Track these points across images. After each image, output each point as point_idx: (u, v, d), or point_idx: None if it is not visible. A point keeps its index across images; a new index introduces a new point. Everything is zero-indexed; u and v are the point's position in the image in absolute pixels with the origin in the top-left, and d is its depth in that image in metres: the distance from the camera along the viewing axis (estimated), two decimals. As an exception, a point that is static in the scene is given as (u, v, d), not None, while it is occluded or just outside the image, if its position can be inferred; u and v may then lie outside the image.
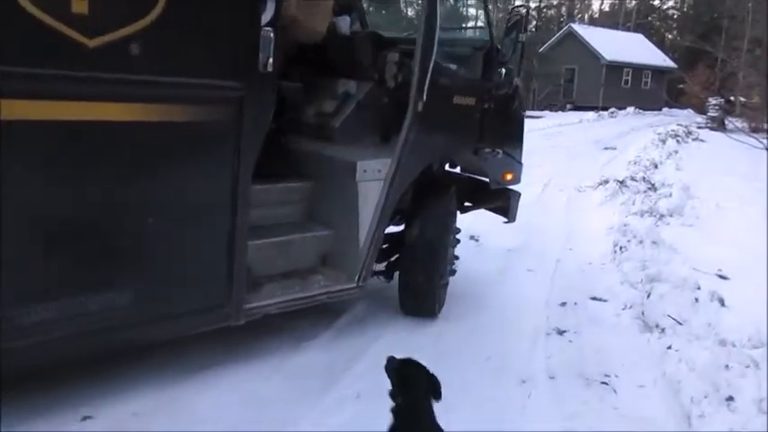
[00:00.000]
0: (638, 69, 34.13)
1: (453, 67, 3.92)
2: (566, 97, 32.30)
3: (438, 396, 2.31)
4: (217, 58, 2.56)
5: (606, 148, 14.77)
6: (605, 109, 27.68)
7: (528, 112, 23.43)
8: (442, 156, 4.04)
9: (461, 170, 4.57)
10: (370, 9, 5.65)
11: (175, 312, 2.73)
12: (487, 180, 4.34)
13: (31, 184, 2.22)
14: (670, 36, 45.03)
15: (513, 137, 4.46)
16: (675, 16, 45.73)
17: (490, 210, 4.78)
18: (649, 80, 34.67)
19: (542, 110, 27.89)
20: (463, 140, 4.03)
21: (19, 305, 2.28)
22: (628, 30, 39.72)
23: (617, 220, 6.86)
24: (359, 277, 3.56)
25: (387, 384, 2.34)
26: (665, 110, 31.45)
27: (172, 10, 2.37)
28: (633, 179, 9.26)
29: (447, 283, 4.21)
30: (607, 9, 48.18)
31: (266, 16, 2.67)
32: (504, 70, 3.96)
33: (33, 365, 2.46)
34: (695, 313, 4.11)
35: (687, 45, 34.19)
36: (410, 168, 3.61)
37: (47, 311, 2.35)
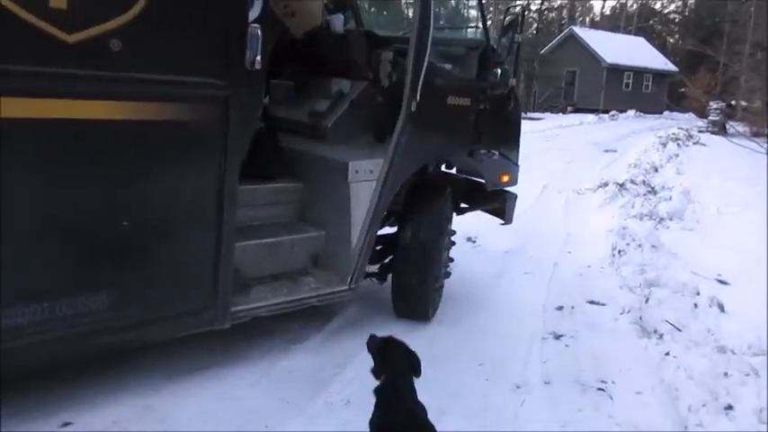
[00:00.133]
0: (639, 72, 34.05)
1: (448, 66, 3.86)
2: (566, 100, 32.26)
3: (418, 373, 2.38)
4: (201, 55, 2.49)
5: (606, 151, 14.72)
6: (606, 112, 27.61)
7: (528, 114, 23.59)
8: (437, 157, 3.98)
9: (457, 171, 4.51)
10: (369, 8, 5.59)
11: (158, 316, 2.65)
12: (483, 181, 4.27)
13: (6, 183, 2.15)
14: (671, 40, 45.00)
15: (510, 138, 4.39)
16: (677, 20, 45.66)
17: (486, 211, 4.72)
18: (650, 83, 34.59)
19: (543, 112, 27.86)
20: (458, 141, 3.96)
21: (4, 307, 2.20)
22: (629, 33, 39.64)
23: (616, 224, 6.80)
24: (351, 279, 3.49)
25: (377, 391, 2.30)
26: (665, 113, 31.39)
27: (154, 5, 2.30)
28: (633, 182, 9.21)
29: (442, 286, 4.14)
30: (608, 12, 48.21)
31: (254, 12, 2.60)
32: (499, 70, 3.89)
33: (11, 369, 2.38)
34: (694, 319, 4.04)
35: (688, 49, 34.21)
36: (403, 169, 3.55)
37: (24, 315, 2.27)
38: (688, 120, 27.19)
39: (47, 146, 2.20)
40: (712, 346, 3.59)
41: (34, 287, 2.30)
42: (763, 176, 8.80)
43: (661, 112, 31.61)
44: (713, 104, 23.43)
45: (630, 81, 33.99)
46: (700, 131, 20.73)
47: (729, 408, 3.03)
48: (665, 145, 15.10)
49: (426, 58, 3.37)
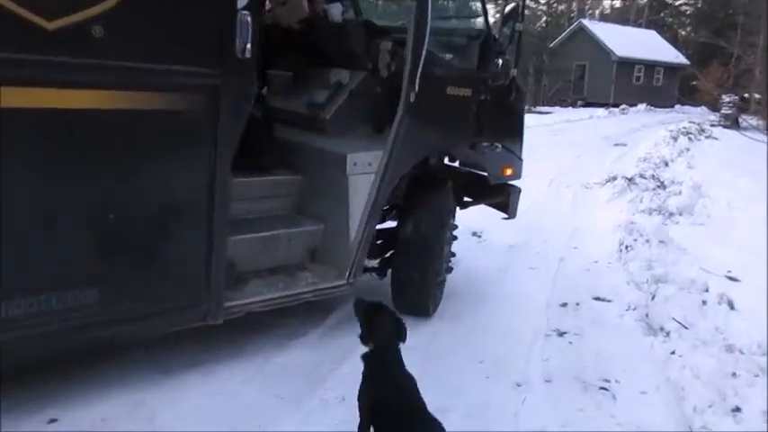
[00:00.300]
0: (650, 66, 33.64)
1: (448, 56, 3.76)
2: (576, 93, 31.96)
3: (403, 339, 2.40)
4: (189, 42, 2.42)
5: (616, 145, 14.55)
6: (616, 106, 27.32)
7: (537, 108, 23.37)
8: (436, 149, 3.89)
9: (460, 164, 4.43)
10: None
11: (148, 310, 2.59)
12: (486, 175, 4.18)
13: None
14: (683, 32, 44.44)
15: (513, 131, 4.30)
16: (688, 12, 45.07)
17: (490, 206, 4.63)
18: (661, 77, 34.18)
19: (552, 106, 27.62)
20: (458, 133, 3.87)
21: None
22: (639, 26, 39.20)
23: (624, 218, 6.68)
24: (349, 274, 3.42)
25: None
26: (677, 107, 31.04)
27: None
28: (642, 176, 9.06)
29: (443, 281, 4.07)
30: (618, 5, 47.67)
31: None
32: (500, 60, 3.79)
33: (5, 361, 2.33)
34: (702, 317, 3.94)
35: (701, 41, 33.78)
36: (402, 161, 3.47)
37: (12, 308, 2.21)
38: (700, 113, 26.86)
39: (28, 136, 2.14)
40: (720, 345, 3.49)
41: (22, 280, 2.24)
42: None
43: (672, 106, 31.26)
44: (726, 98, 23.07)
45: (641, 74, 33.61)
46: (712, 125, 20.42)
47: (737, 410, 2.93)
48: (675, 139, 14.88)
49: (425, 48, 3.28)
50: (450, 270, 4.17)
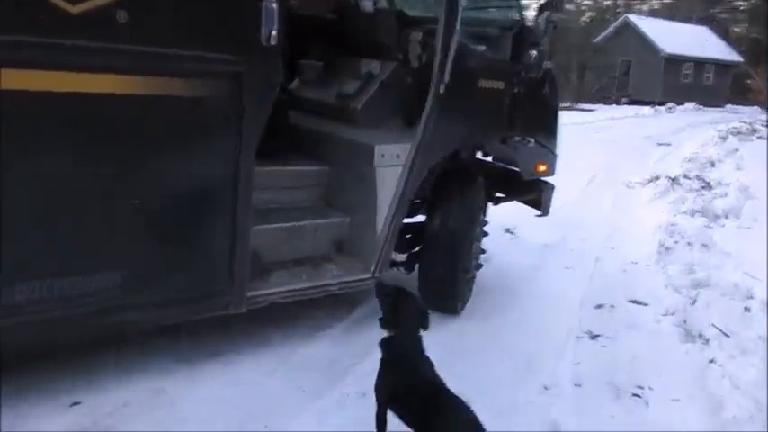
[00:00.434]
0: (699, 63, 32.55)
1: (479, 48, 3.66)
2: (620, 91, 31.17)
3: (426, 326, 2.36)
4: (213, 28, 2.39)
5: (660, 144, 14.09)
6: (662, 104, 26.54)
7: (579, 105, 22.86)
8: (466, 142, 3.79)
9: (493, 159, 4.32)
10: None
11: (170, 297, 2.59)
12: (518, 170, 4.06)
13: (14, 158, 2.10)
14: (737, 29, 42.84)
15: (546, 125, 4.17)
16: (743, 8, 43.39)
17: (523, 202, 4.52)
18: (712, 75, 33.04)
19: (595, 103, 27.00)
20: (489, 127, 3.77)
21: (7, 283, 2.17)
22: (690, 22, 37.96)
23: (665, 219, 6.45)
24: (375, 267, 3.37)
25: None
26: (728, 106, 29.97)
27: None
28: (687, 177, 8.76)
29: (473, 278, 3.98)
30: (668, 0, 46.17)
31: (268, -15, 2.47)
32: (535, 53, 3.66)
33: (21, 345, 2.36)
34: (744, 325, 3.75)
35: (754, 37, 32.48)
36: (431, 154, 3.39)
37: (33, 291, 2.23)
38: (752, 113, 25.84)
39: (51, 120, 2.14)
40: (762, 355, 3.30)
41: (45, 263, 2.26)
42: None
43: (723, 105, 30.20)
44: (779, 97, 22.19)
45: (690, 72, 32.56)
46: (764, 125, 19.66)
47: (778, 423, 2.77)
48: (724, 139, 14.35)
49: (455, 39, 3.19)
50: (479, 267, 4.07)
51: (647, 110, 24.04)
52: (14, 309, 2.20)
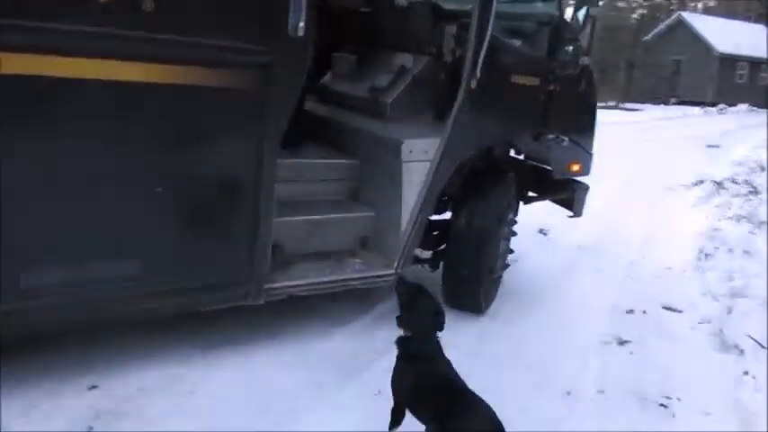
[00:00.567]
0: (755, 63, 31.31)
1: (514, 42, 3.57)
2: (670, 90, 30.25)
3: (441, 328, 2.34)
4: (239, 18, 2.39)
5: (708, 147, 13.63)
6: (713, 105, 25.65)
7: (625, 104, 22.29)
8: (497, 139, 3.72)
9: (525, 157, 4.23)
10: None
11: (188, 286, 2.60)
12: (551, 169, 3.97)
13: (40, 143, 2.14)
14: (797, 27, 41.00)
15: (582, 123, 4.05)
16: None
17: (555, 202, 4.42)
18: (768, 75, 31.80)
19: (643, 102, 26.29)
20: (522, 124, 3.69)
21: (23, 268, 2.21)
22: (748, 20, 36.52)
23: (707, 224, 6.23)
24: (398, 264, 3.33)
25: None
26: (785, 108, 28.78)
27: None
28: (734, 181, 8.48)
29: (498, 278, 3.91)
30: (725, -2, 44.49)
31: (296, -24, 2.46)
32: (571, 48, 3.56)
33: (37, 330, 2.42)
34: (783, 337, 3.58)
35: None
36: (460, 151, 3.34)
37: (51, 276, 2.28)
38: (809, 116, 24.78)
39: (77, 107, 2.17)
40: (801, 369, 3.16)
41: (61, 250, 2.29)
42: None
43: (778, 107, 29.02)
44: (839, 100, 21.18)
45: (745, 72, 31.40)
46: (821, 130, 18.80)
47: (813, 442, 2.64)
48: (777, 142, 13.79)
49: (488, 33, 3.12)
50: (506, 267, 4.00)
51: (696, 110, 23.36)
52: (34, 292, 2.24)
